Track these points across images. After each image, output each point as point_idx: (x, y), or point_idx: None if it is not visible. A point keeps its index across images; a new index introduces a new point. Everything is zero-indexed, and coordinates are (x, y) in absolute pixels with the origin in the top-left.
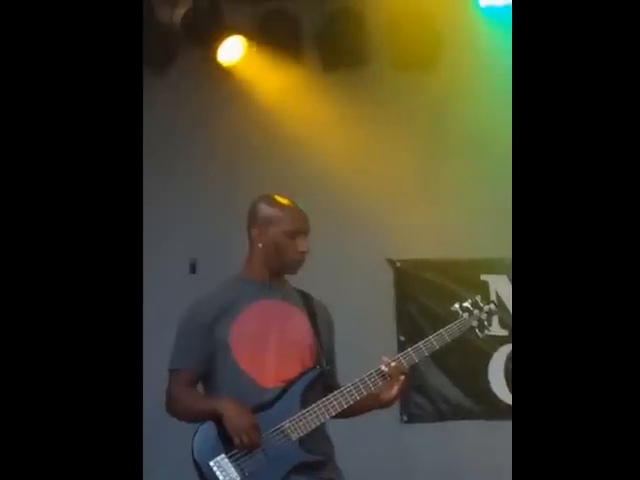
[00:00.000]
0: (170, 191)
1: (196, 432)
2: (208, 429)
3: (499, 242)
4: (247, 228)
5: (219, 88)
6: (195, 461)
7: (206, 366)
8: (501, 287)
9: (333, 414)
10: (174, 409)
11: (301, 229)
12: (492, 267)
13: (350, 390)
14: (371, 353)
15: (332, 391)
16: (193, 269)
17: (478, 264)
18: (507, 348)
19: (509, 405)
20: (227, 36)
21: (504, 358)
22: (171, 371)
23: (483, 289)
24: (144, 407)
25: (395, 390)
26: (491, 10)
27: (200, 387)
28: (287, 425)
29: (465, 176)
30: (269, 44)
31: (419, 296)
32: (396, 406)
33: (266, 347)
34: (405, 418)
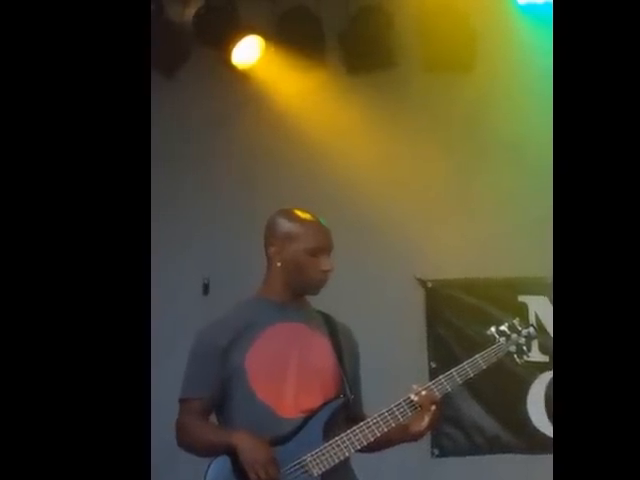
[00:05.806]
0: (181, 203)
1: (209, 467)
2: (222, 463)
3: (539, 260)
4: (265, 245)
5: (234, 92)
6: None
7: (220, 395)
8: (541, 309)
9: (358, 447)
10: (185, 442)
11: (324, 246)
12: (531, 287)
13: (377, 421)
14: (400, 381)
15: (357, 422)
16: (206, 289)
17: (516, 284)
18: (548, 375)
19: (550, 438)
20: (243, 36)
21: (544, 386)
22: (182, 400)
23: (521, 311)
24: (152, 439)
25: (426, 421)
26: (530, 8)
27: (213, 418)
28: (308, 459)
29: (502, 187)
30: (288, 44)
31: (452, 319)
32: (427, 439)
33: (285, 374)
34: (436, 452)
